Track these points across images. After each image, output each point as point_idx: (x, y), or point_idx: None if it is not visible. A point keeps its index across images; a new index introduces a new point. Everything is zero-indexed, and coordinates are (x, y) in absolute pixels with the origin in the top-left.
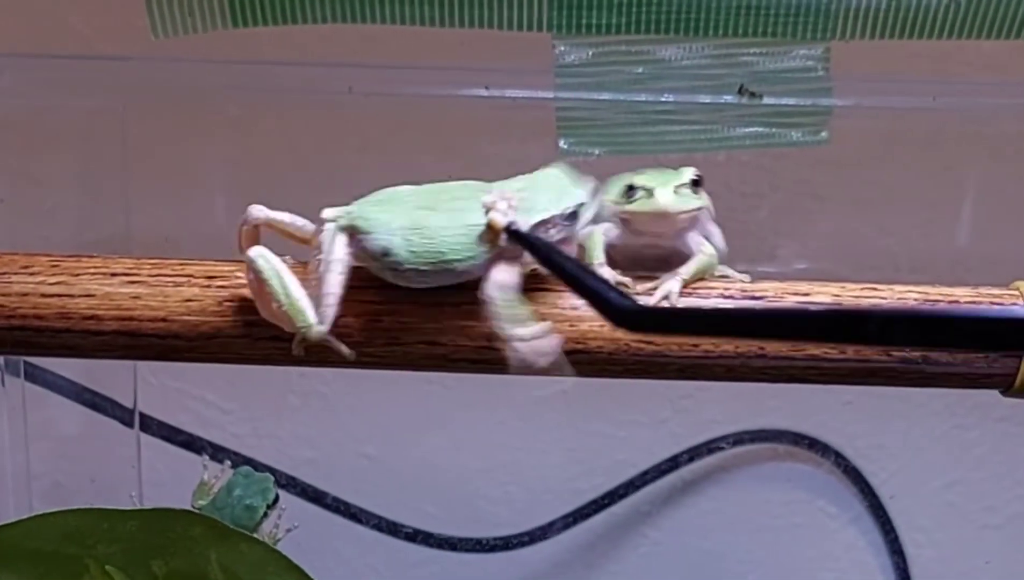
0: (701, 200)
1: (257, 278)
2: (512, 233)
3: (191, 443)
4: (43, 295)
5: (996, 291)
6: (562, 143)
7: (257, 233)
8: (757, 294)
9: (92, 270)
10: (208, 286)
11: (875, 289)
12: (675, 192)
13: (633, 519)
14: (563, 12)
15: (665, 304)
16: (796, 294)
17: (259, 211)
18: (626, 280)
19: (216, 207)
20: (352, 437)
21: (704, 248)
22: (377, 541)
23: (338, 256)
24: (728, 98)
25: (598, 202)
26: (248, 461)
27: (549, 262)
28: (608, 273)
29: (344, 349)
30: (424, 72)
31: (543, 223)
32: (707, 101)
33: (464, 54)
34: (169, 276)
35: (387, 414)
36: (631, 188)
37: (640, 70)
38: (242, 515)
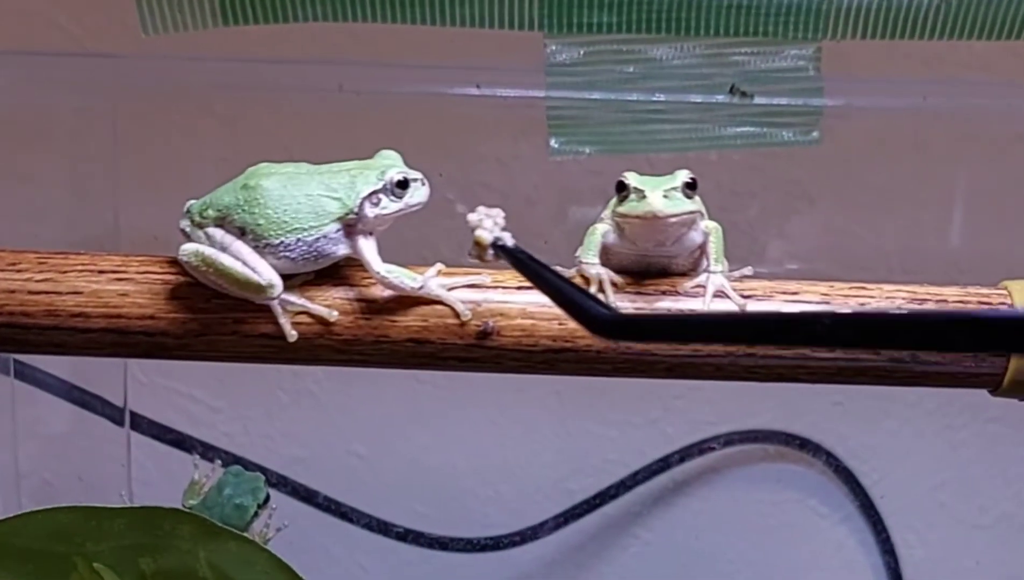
0: (695, 204)
1: (199, 273)
2: (498, 248)
3: (181, 442)
4: (30, 292)
5: (985, 291)
6: (553, 142)
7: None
8: (746, 293)
9: (80, 267)
10: (196, 284)
11: (864, 288)
12: (665, 196)
13: (624, 519)
14: (554, 11)
15: (719, 299)
16: (785, 293)
17: None
18: (617, 279)
19: None
20: (343, 436)
21: (707, 227)
22: (368, 540)
23: (220, 238)
24: (719, 97)
25: (426, 186)
26: (238, 460)
27: (530, 273)
28: (600, 270)
29: (321, 309)
30: (415, 71)
31: (373, 193)
32: (698, 100)
33: (455, 53)
34: (157, 273)
35: (378, 413)
36: (622, 187)
37: (631, 69)
38: (232, 514)
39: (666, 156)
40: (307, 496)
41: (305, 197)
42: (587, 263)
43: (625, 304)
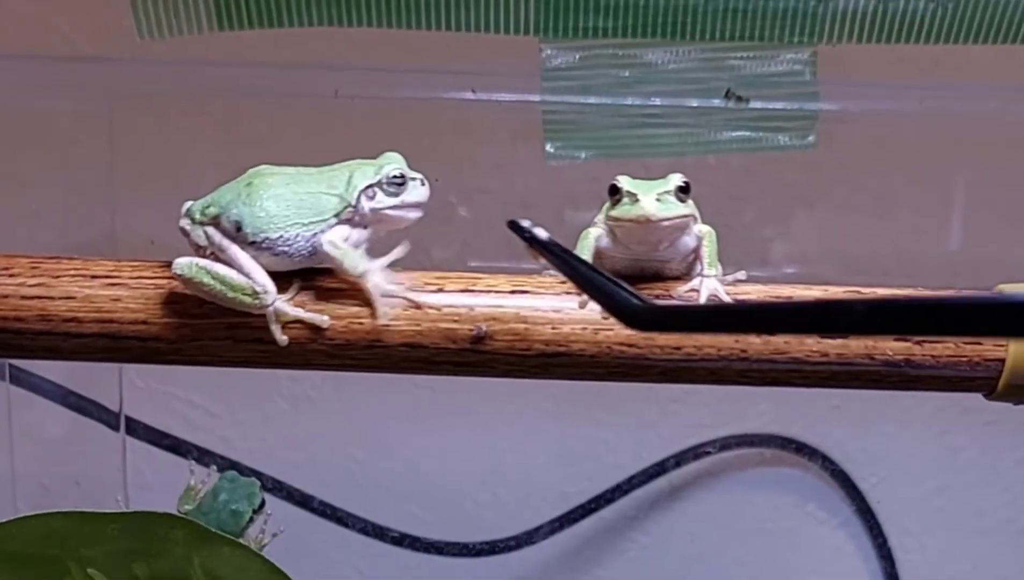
0: (688, 208)
1: (193, 286)
2: (528, 239)
3: (177, 447)
4: (23, 297)
5: (980, 295)
6: (549, 146)
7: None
8: (740, 297)
9: (72, 272)
10: None
11: (859, 293)
12: (658, 199)
13: (620, 523)
14: (550, 16)
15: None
16: (779, 298)
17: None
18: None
19: None
20: (339, 441)
21: (701, 231)
22: (364, 545)
23: (219, 241)
24: (715, 102)
25: (425, 187)
26: (234, 465)
27: (562, 264)
28: None
29: (314, 316)
30: (411, 75)
31: (368, 187)
32: (694, 105)
33: (451, 57)
34: (150, 278)
35: (374, 418)
36: (615, 190)
37: (627, 74)
38: (228, 520)
39: (663, 160)
40: (303, 501)
41: (306, 193)
42: None
43: None
